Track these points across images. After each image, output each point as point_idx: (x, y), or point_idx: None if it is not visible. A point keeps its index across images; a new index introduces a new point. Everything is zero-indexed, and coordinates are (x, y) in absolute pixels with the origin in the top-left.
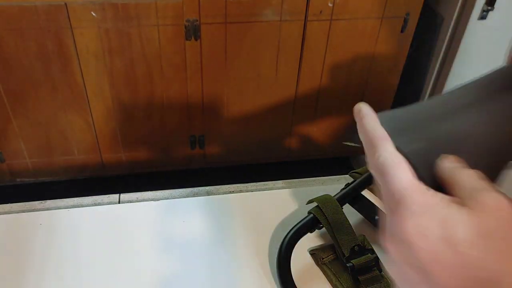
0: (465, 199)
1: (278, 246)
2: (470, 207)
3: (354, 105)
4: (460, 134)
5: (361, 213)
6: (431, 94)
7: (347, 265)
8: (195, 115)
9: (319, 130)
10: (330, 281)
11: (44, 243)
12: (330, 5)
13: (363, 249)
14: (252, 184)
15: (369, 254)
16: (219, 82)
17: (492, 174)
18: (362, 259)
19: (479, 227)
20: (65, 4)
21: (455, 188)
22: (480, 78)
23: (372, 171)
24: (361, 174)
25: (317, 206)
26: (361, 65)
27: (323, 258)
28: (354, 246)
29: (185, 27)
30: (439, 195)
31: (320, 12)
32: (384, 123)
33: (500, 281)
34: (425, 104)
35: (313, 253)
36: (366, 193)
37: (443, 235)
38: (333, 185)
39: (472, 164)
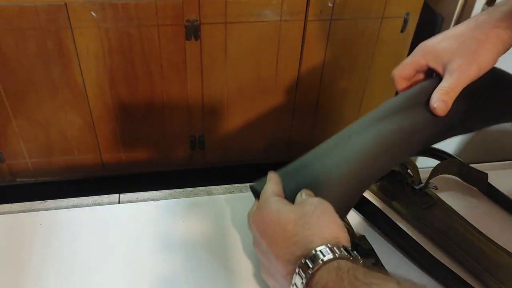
0: (297, 203)
1: None
2: (298, 204)
3: (355, 105)
4: (318, 175)
5: (361, 213)
6: None
7: None
8: (195, 115)
9: (319, 130)
10: None
11: (44, 243)
12: (330, 5)
13: (363, 249)
14: None
15: (369, 255)
16: (219, 82)
17: (346, 204)
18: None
19: (300, 213)
20: (65, 4)
21: (299, 203)
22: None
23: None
24: None
25: None
26: (361, 65)
27: None
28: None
29: (185, 27)
30: (282, 199)
31: (320, 12)
32: (279, 172)
33: (309, 241)
34: (312, 152)
35: None
36: (366, 193)
37: (277, 220)
38: None
39: (327, 196)
